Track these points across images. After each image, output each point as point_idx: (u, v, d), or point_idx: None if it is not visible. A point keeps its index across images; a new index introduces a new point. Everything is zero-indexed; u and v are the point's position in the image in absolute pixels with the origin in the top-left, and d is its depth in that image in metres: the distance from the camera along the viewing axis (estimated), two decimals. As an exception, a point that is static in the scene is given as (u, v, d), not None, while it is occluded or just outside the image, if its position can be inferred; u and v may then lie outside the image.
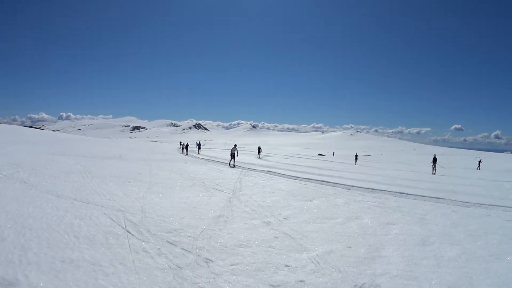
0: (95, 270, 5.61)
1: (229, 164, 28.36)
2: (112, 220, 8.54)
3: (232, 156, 29.18)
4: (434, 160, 35.09)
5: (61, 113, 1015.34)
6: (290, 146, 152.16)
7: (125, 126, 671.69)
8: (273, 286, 5.53)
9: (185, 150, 47.33)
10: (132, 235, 7.56)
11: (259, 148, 51.97)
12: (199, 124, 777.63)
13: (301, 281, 5.74)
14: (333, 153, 73.95)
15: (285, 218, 9.95)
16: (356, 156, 55.98)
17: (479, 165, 51.35)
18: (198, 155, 41.61)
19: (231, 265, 6.23)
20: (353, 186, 18.46)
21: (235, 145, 31.68)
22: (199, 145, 49.55)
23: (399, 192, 16.66)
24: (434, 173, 33.60)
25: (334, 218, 10.27)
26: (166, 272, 5.79)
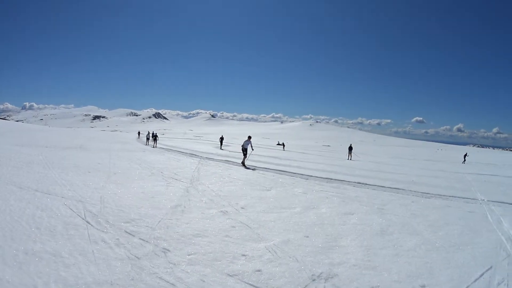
0: (56, 262, 5.71)
1: (243, 163, 22.57)
2: (72, 210, 8.65)
3: (245, 152, 22.93)
4: (350, 148, 42.95)
5: (25, 103, 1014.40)
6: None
7: (86, 115, 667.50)
8: (230, 275, 5.63)
9: (154, 142, 42.04)
10: (92, 225, 7.67)
11: (222, 139, 50.07)
12: (159, 113, 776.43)
13: (258, 270, 5.85)
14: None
15: (243, 208, 10.10)
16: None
17: (464, 159, 52.43)
18: (147, 146, 39.74)
19: (188, 255, 6.34)
20: (312, 176, 18.80)
21: (249, 137, 24.24)
22: (154, 136, 43.59)
23: (358, 183, 17.00)
24: (350, 159, 39.31)
25: (292, 208, 10.44)
26: (125, 262, 5.90)
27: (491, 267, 6.62)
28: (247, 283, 5.41)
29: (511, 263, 6.93)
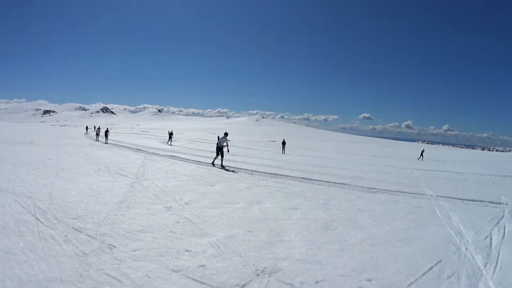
0: (10, 259, 5.75)
1: (213, 163, 20.66)
2: (23, 207, 8.68)
3: (220, 152, 20.46)
4: (283, 143, 46.92)
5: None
6: (195, 131, 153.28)
7: (36, 110, 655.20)
8: (175, 271, 5.59)
9: (105, 137, 40.29)
10: (41, 222, 7.69)
11: (171, 134, 48.50)
12: (107, 108, 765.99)
13: (202, 265, 5.82)
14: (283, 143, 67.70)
15: (187, 203, 10.08)
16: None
17: (421, 156, 53.32)
18: (97, 142, 38.92)
19: (134, 251, 6.33)
20: (256, 171, 18.96)
21: (226, 134, 22.51)
22: (106, 131, 41.81)
23: (303, 178, 17.09)
24: (284, 153, 42.23)
25: (236, 203, 10.46)
26: (73, 259, 5.91)
27: (440, 261, 6.68)
28: (191, 279, 5.37)
29: (461, 257, 7.02)
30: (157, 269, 5.62)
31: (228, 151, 22.75)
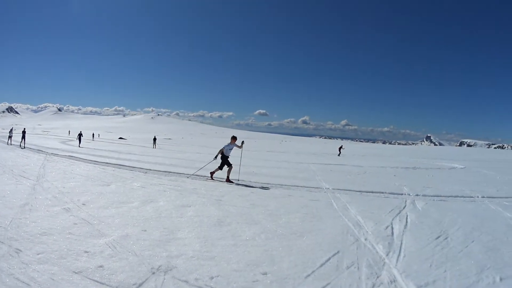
0: None
1: (211, 174, 16.84)
2: None
3: (225, 162, 16.40)
4: (154, 139, 55.58)
5: None
6: (93, 130, 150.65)
7: None
8: (76, 272, 5.49)
9: (22, 139, 36.40)
10: None
11: (80, 135, 47.19)
12: (11, 107, 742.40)
13: (101, 266, 5.74)
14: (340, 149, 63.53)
15: (84, 204, 9.98)
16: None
17: (339, 152, 53.80)
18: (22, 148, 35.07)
19: (38, 254, 6.18)
20: (151, 169, 19.25)
21: (234, 138, 17.22)
22: (23, 133, 37.84)
23: (196, 175, 17.25)
24: (155, 148, 48.39)
25: (130, 202, 10.45)
26: None
27: (338, 252, 6.77)
28: (92, 280, 5.29)
29: (360, 247, 7.16)
30: (60, 272, 5.51)
31: (216, 158, 17.05)
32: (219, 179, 16.28)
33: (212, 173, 16.75)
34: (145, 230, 7.73)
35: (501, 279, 5.95)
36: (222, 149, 16.50)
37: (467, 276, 6.01)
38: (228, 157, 16.38)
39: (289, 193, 13.26)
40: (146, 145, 56.67)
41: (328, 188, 14.83)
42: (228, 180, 15.98)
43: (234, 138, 17.00)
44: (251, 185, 14.97)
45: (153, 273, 5.53)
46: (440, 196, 14.24)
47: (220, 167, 16.46)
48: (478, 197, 14.39)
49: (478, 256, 7.03)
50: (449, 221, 9.82)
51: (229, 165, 16.20)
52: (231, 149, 16.68)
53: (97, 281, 5.23)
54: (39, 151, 29.48)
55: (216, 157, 16.78)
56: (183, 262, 5.95)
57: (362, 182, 16.10)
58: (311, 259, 6.36)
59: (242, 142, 17.39)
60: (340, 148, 56.31)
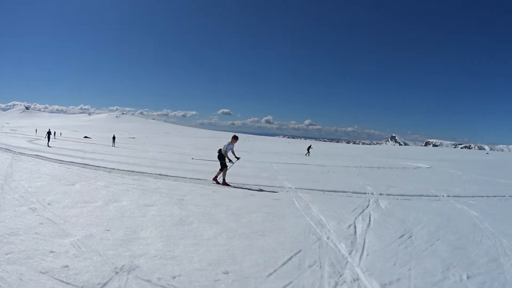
0: None
1: (215, 179, 15.87)
2: None
3: (225, 161, 15.65)
4: (113, 138, 57.75)
5: None
6: (59, 129, 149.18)
7: None
8: (43, 272, 5.47)
9: None
10: None
11: (49, 133, 47.83)
12: None
13: (66, 266, 5.71)
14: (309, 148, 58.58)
15: (49, 204, 9.87)
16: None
17: (308, 152, 53.78)
18: None
19: (6, 254, 6.17)
20: (114, 169, 19.11)
21: (235, 138, 16.32)
22: None
23: (159, 174, 17.29)
24: (114, 146, 49.08)
25: (95, 202, 10.36)
26: None
27: (300, 251, 6.81)
28: (58, 279, 5.27)
29: (322, 246, 7.20)
30: (27, 272, 5.50)
31: (230, 161, 15.76)
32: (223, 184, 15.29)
33: (215, 179, 15.70)
34: (109, 230, 7.69)
35: (468, 277, 6.03)
36: (225, 150, 15.45)
37: (433, 275, 6.07)
38: (225, 157, 15.51)
39: (252, 193, 13.31)
40: (110, 144, 56.42)
41: (291, 188, 14.91)
42: (215, 179, 15.58)
43: (235, 138, 16.12)
44: (213, 184, 15.03)
45: (117, 272, 5.51)
46: (405, 195, 14.42)
47: (221, 169, 15.46)
48: (443, 196, 14.64)
49: (443, 255, 7.13)
50: (413, 220, 9.95)
51: (224, 167, 15.43)
52: (232, 148, 15.86)
53: (63, 281, 5.22)
54: (7, 150, 29.29)
55: (230, 160, 15.57)
56: (145, 262, 5.95)
57: (325, 181, 16.04)
58: (272, 258, 6.39)
59: (235, 138, 16.28)
60: (308, 148, 56.41)
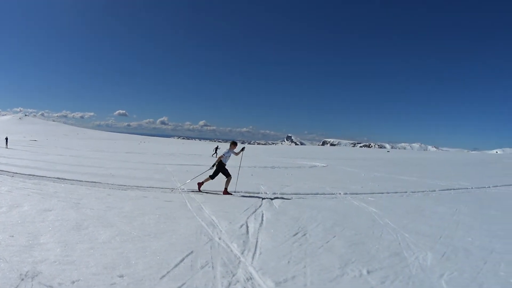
0: None
1: (199, 186, 15.29)
2: None
3: (222, 171, 15.05)
4: (6, 139, 59.85)
5: None
6: None
7: None
8: None
9: None
10: None
11: (6, 139, 56.27)
12: None
13: None
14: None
15: None
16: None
17: (215, 152, 54.05)
18: None
19: None
20: (17, 173, 18.75)
21: (234, 144, 15.71)
22: None
23: (57, 178, 17.15)
24: (7, 147, 51.99)
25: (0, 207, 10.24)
26: None
27: (192, 252, 7.03)
28: None
29: (214, 247, 7.44)
30: None
31: (213, 166, 15.28)
32: (207, 191, 15.06)
33: (200, 184, 15.16)
34: (13, 236, 7.65)
35: (368, 272, 6.28)
36: (221, 156, 14.94)
37: (330, 271, 6.29)
38: (225, 165, 14.99)
39: (144, 195, 13.52)
40: (13, 147, 56.00)
41: (183, 189, 15.21)
42: (226, 192, 14.63)
43: (234, 144, 15.48)
44: (108, 187, 15.13)
45: (22, 279, 5.56)
46: (299, 194, 15.01)
47: (212, 177, 15.04)
48: (340, 193, 15.40)
49: (341, 251, 7.45)
50: (307, 218, 10.39)
51: (228, 175, 14.85)
52: (230, 156, 15.21)
53: (-28, 291, 5.19)
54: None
55: (214, 165, 15.03)
56: (47, 267, 6.02)
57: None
58: (165, 260, 6.60)
59: (242, 149, 15.80)
60: (216, 148, 57.31)
